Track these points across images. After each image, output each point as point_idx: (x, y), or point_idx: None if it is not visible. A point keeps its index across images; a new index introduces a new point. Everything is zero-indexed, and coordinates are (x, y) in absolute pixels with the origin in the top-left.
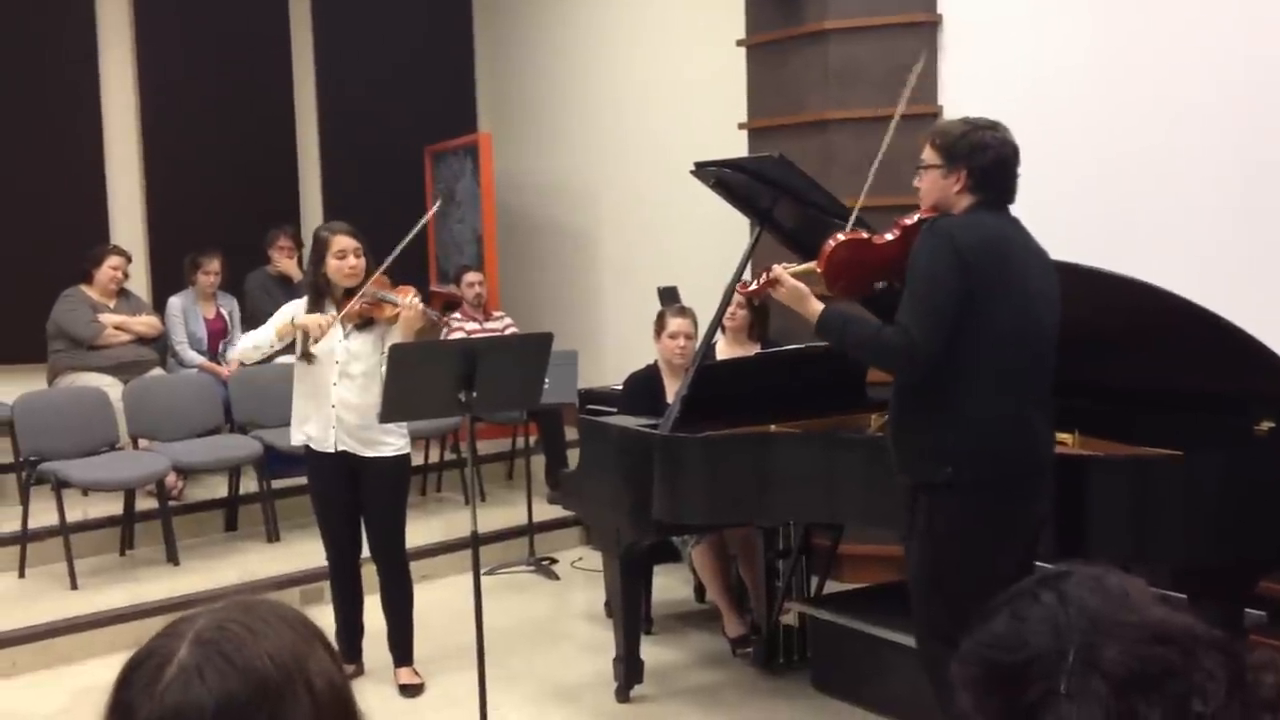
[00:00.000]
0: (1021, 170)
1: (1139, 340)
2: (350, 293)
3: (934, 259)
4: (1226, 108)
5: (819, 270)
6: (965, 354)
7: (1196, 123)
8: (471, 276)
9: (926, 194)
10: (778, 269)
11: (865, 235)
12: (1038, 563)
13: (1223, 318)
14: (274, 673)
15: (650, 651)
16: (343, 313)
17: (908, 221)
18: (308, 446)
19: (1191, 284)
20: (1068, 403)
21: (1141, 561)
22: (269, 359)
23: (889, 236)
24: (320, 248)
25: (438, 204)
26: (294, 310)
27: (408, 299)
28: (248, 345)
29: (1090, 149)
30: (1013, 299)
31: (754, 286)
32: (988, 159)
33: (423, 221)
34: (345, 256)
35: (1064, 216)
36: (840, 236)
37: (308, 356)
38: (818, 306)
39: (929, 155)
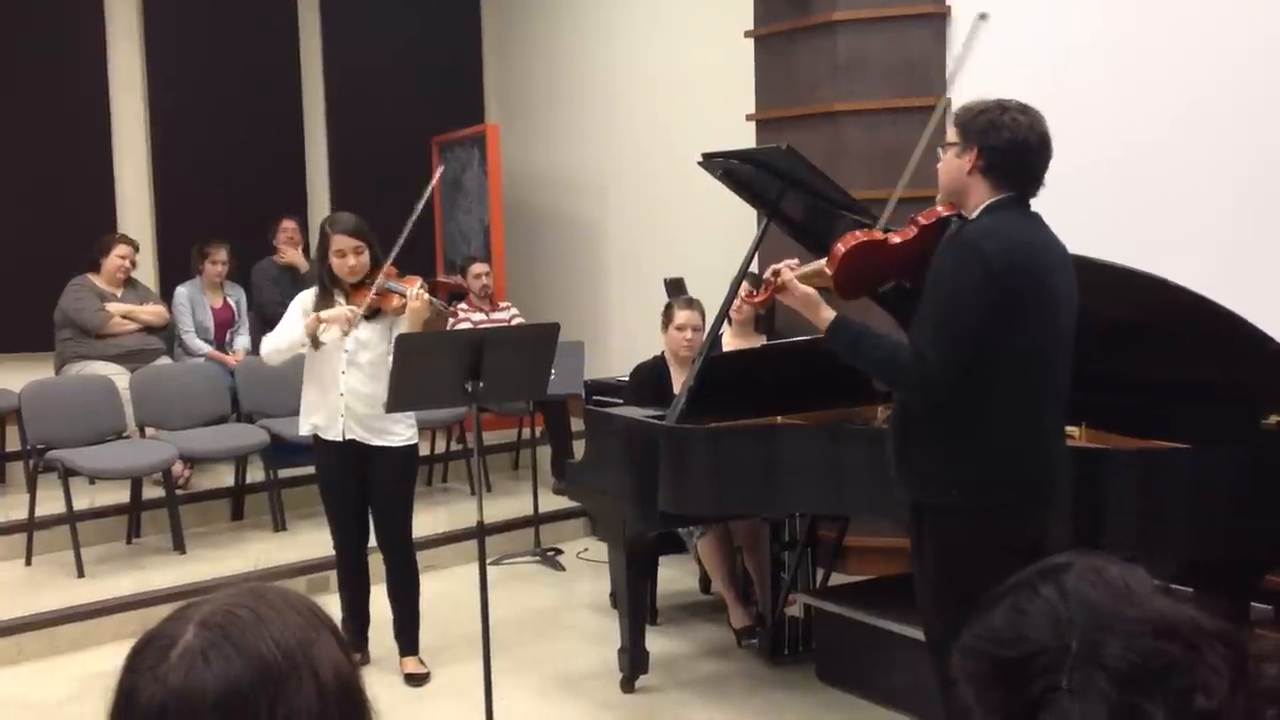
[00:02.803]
0: None
1: (1147, 333)
2: (358, 285)
3: (959, 275)
4: (1239, 100)
5: (828, 272)
6: (984, 372)
7: (1209, 114)
8: (478, 267)
9: (942, 174)
10: (785, 273)
11: (880, 236)
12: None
13: (1231, 311)
14: (278, 658)
15: (655, 642)
16: (364, 305)
17: (924, 220)
18: (316, 435)
19: (1203, 277)
20: (1075, 395)
21: (1150, 554)
22: None
23: (905, 236)
24: (324, 242)
25: (441, 170)
26: (305, 303)
27: (414, 290)
28: (279, 346)
29: (1101, 141)
30: (1038, 313)
31: (760, 296)
32: (1000, 140)
33: (429, 188)
34: (344, 256)
35: (1075, 208)
36: (853, 238)
37: (315, 344)
38: (829, 315)
39: (951, 132)
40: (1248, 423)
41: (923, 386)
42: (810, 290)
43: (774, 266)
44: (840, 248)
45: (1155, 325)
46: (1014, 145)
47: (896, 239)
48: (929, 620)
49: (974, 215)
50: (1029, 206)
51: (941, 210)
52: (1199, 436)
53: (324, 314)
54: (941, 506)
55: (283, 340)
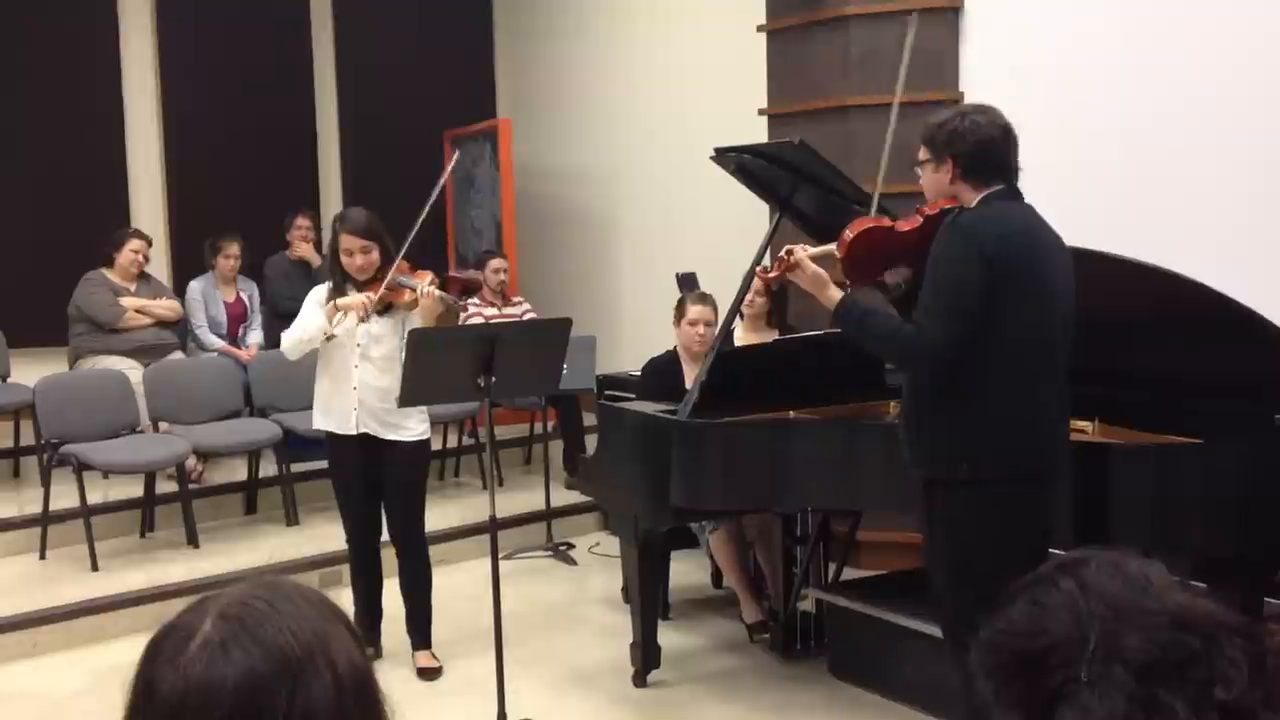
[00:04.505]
0: (1043, 156)
1: (1163, 328)
2: (368, 281)
3: (957, 257)
4: (1247, 96)
5: (838, 255)
6: (985, 351)
7: (1222, 106)
8: (497, 263)
9: (927, 189)
10: (799, 252)
11: (888, 223)
12: (1054, 550)
13: (1248, 306)
14: (296, 649)
15: (667, 637)
16: (378, 296)
17: (929, 210)
18: (329, 431)
19: (1215, 269)
20: (1088, 390)
21: (1162, 550)
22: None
23: (912, 224)
24: (335, 239)
25: (456, 156)
26: (318, 297)
27: (423, 285)
28: (300, 337)
29: (1113, 133)
30: (1034, 294)
31: (774, 273)
32: (968, 144)
33: (441, 180)
34: (352, 255)
35: (1087, 201)
36: (863, 224)
37: (328, 337)
38: (836, 294)
39: (921, 151)
40: (1262, 418)
41: (926, 362)
42: (820, 270)
43: (788, 246)
44: (849, 233)
45: (1171, 320)
46: (981, 145)
47: (904, 226)
48: (942, 600)
49: (972, 207)
50: (1020, 196)
51: (943, 203)
52: (1213, 432)
53: (341, 301)
54: (952, 481)
55: (303, 331)
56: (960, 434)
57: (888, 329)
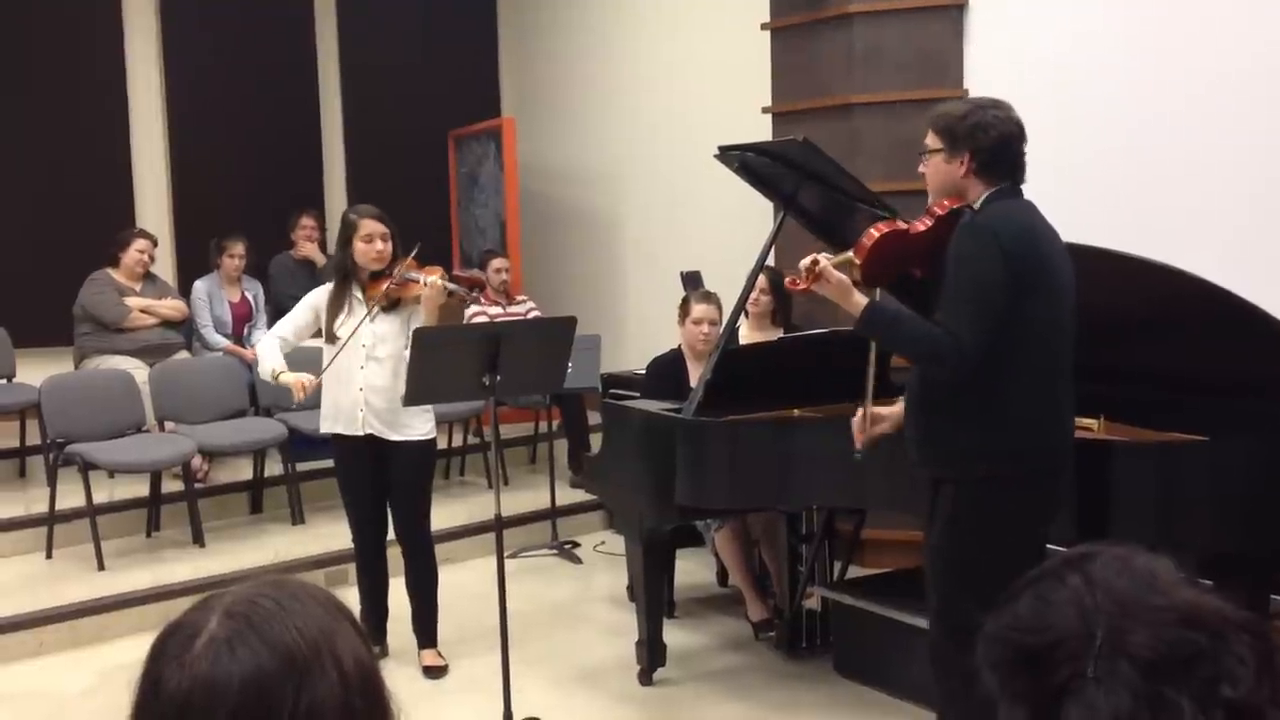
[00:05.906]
0: (1047, 154)
1: (1164, 324)
2: (376, 275)
3: (980, 258)
4: (1254, 91)
5: (857, 261)
6: (1005, 348)
7: (1223, 104)
8: (499, 262)
9: (931, 180)
10: (823, 262)
11: (902, 226)
12: (1055, 546)
13: (1252, 303)
14: (302, 647)
15: (673, 635)
16: (380, 297)
17: (940, 211)
18: (335, 431)
19: (1217, 265)
20: (1093, 388)
21: (1168, 547)
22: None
23: (923, 226)
24: (348, 230)
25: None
26: (315, 299)
27: (431, 277)
28: (260, 370)
29: (1117, 132)
30: (1048, 290)
31: (802, 285)
32: (991, 139)
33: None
34: (372, 241)
35: (1090, 200)
36: (879, 229)
37: (332, 339)
38: (862, 300)
39: (931, 140)
40: (1268, 415)
41: (958, 362)
42: (844, 277)
43: (812, 256)
44: (866, 240)
45: (1174, 317)
46: (1002, 140)
47: (919, 228)
48: (932, 594)
49: (978, 206)
50: (1023, 194)
51: (949, 202)
52: (1218, 429)
53: (283, 378)
54: (968, 480)
55: (261, 367)
56: (979, 433)
57: (919, 332)
